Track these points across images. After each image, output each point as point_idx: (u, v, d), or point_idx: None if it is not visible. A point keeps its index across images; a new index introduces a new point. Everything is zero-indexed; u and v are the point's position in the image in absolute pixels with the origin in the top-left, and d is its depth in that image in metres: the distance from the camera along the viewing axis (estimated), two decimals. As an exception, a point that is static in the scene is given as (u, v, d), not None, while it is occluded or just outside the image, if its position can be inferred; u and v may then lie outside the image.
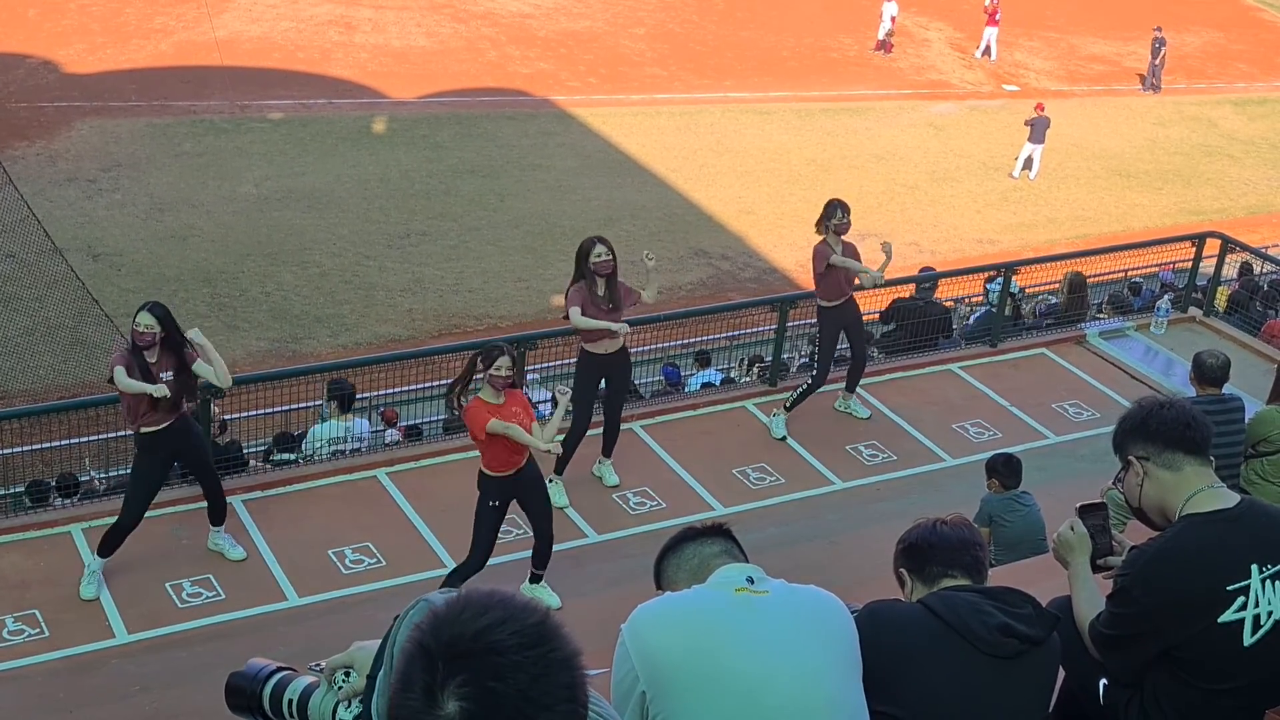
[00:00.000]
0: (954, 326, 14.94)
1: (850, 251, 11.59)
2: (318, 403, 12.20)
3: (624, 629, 3.42)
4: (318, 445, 11.56)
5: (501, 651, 1.80)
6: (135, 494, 9.29)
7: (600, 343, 10.47)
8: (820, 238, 11.61)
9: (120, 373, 8.74)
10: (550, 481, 10.43)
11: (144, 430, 9.06)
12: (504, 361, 8.65)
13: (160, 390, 8.76)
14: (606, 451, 11.05)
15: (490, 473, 8.94)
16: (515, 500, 9.13)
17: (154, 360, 8.92)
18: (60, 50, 27.64)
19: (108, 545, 9.28)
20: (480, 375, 8.71)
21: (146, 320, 8.88)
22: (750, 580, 3.44)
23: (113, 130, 24.54)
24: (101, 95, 25.89)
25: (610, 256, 10.36)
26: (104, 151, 23.76)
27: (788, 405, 11.95)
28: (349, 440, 11.64)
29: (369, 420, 13.15)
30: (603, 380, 10.71)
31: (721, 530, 3.71)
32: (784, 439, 11.87)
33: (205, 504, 9.70)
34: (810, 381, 11.88)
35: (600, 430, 11.01)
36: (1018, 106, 30.22)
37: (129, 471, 11.08)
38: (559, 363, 12.78)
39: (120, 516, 9.26)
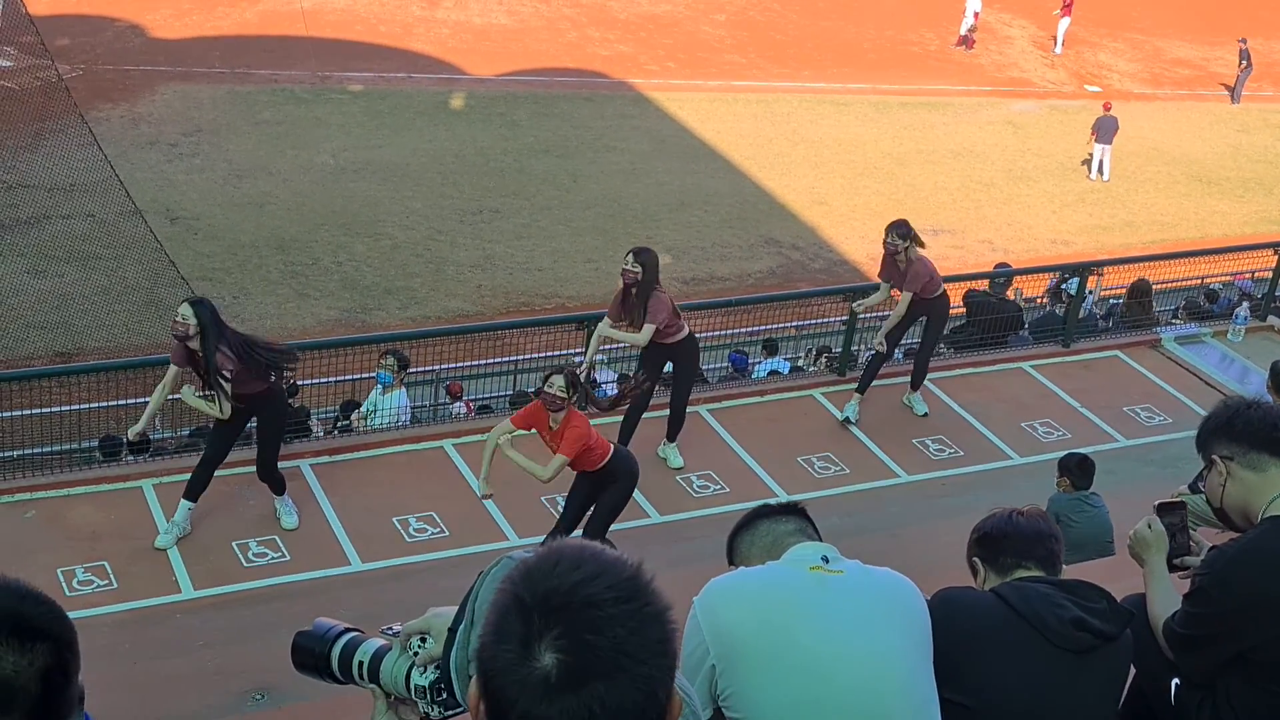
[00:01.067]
0: (1025, 325, 14.83)
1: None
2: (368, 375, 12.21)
3: (696, 602, 3.42)
4: (366, 413, 11.62)
5: (598, 605, 1.80)
6: (215, 434, 9.52)
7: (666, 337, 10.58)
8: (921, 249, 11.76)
9: (186, 390, 9.08)
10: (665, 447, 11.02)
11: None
12: (555, 380, 8.68)
13: (222, 412, 8.97)
14: (671, 436, 11.07)
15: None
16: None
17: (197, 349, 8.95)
18: (147, 15, 27.95)
19: (193, 487, 9.47)
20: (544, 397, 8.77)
21: (184, 312, 8.98)
22: (825, 559, 3.44)
23: (195, 96, 24.79)
24: (186, 61, 26.16)
25: (637, 269, 10.30)
26: (186, 116, 24.00)
27: (859, 389, 11.95)
28: (381, 413, 11.60)
29: (434, 393, 13.24)
30: (667, 364, 10.78)
31: (796, 509, 3.70)
32: (849, 420, 11.89)
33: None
34: (874, 358, 11.90)
35: (663, 413, 11.04)
36: (1099, 108, 29.92)
37: (204, 429, 11.31)
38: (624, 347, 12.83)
39: (205, 452, 9.54)
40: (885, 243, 11.57)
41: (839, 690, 3.26)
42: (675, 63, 29.95)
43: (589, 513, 9.22)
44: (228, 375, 8.98)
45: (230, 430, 9.44)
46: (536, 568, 1.86)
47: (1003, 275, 14.71)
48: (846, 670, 3.28)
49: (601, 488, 9.11)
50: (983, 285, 14.61)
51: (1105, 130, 26.13)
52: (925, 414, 12.17)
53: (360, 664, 2.68)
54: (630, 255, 10.43)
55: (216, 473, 9.63)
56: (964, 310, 13.96)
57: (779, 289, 19.54)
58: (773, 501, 3.82)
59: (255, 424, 9.73)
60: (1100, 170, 26.48)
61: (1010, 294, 14.90)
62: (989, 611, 3.87)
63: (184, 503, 9.53)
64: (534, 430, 8.93)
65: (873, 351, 12.02)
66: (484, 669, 1.84)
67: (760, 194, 24.11)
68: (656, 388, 10.92)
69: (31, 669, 2.25)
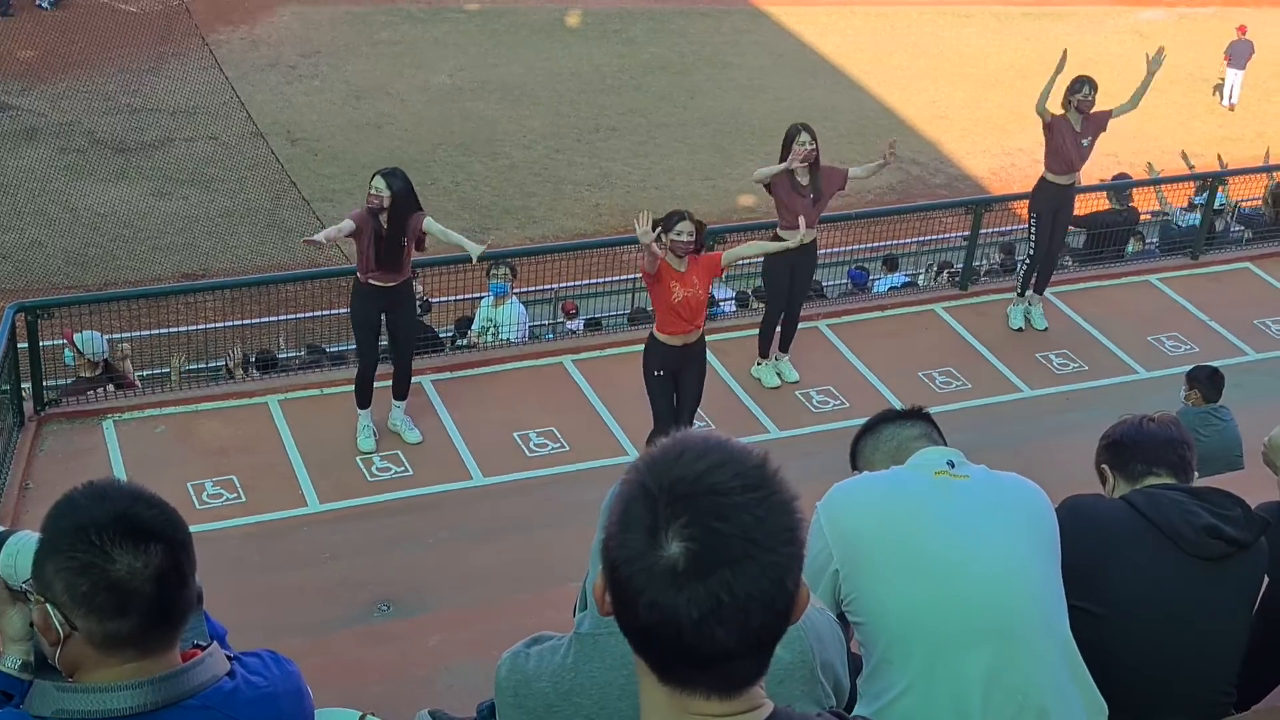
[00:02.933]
0: (1146, 238, 14.48)
1: (1095, 124, 11.43)
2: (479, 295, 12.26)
3: (819, 507, 3.39)
4: (481, 327, 11.70)
5: (724, 493, 1.77)
6: (359, 336, 9.69)
7: (793, 232, 10.30)
8: (1061, 114, 11.24)
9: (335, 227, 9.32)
10: (758, 364, 10.94)
11: (365, 280, 9.36)
12: (684, 226, 8.61)
13: (344, 228, 9.21)
14: (784, 347, 10.99)
15: (660, 335, 8.93)
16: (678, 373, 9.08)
17: (382, 220, 9.19)
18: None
19: (361, 396, 9.71)
20: (664, 243, 8.65)
21: (379, 185, 9.26)
22: (950, 464, 3.38)
23: (313, 17, 24.94)
24: (303, -18, 26.34)
25: (814, 145, 10.18)
26: (304, 38, 24.18)
27: (1020, 292, 11.80)
28: (501, 326, 11.67)
29: (552, 312, 13.30)
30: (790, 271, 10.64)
31: (921, 413, 3.64)
32: (1020, 330, 11.76)
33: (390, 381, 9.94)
34: (1029, 259, 11.66)
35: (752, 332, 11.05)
36: (1230, 15, 28.90)
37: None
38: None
39: (359, 363, 9.69)
40: (1087, 101, 11.28)
41: (965, 594, 3.21)
42: (793, -25, 29.51)
43: (680, 401, 9.21)
44: (404, 244, 9.30)
45: (369, 326, 9.60)
46: (661, 457, 1.84)
47: (1123, 185, 14.33)
48: (972, 575, 3.23)
49: (688, 366, 9.04)
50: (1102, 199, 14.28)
51: (1239, 55, 25.15)
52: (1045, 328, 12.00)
53: None
54: (807, 135, 10.22)
55: (335, 390, 9.86)
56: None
57: (899, 204, 19.27)
58: (897, 406, 3.77)
59: (392, 320, 9.74)
60: (1231, 95, 25.50)
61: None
62: (1119, 518, 3.80)
63: (361, 411, 9.76)
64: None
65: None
66: (610, 558, 1.83)
67: (880, 109, 23.76)
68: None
69: (146, 571, 2.26)
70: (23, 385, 9.69)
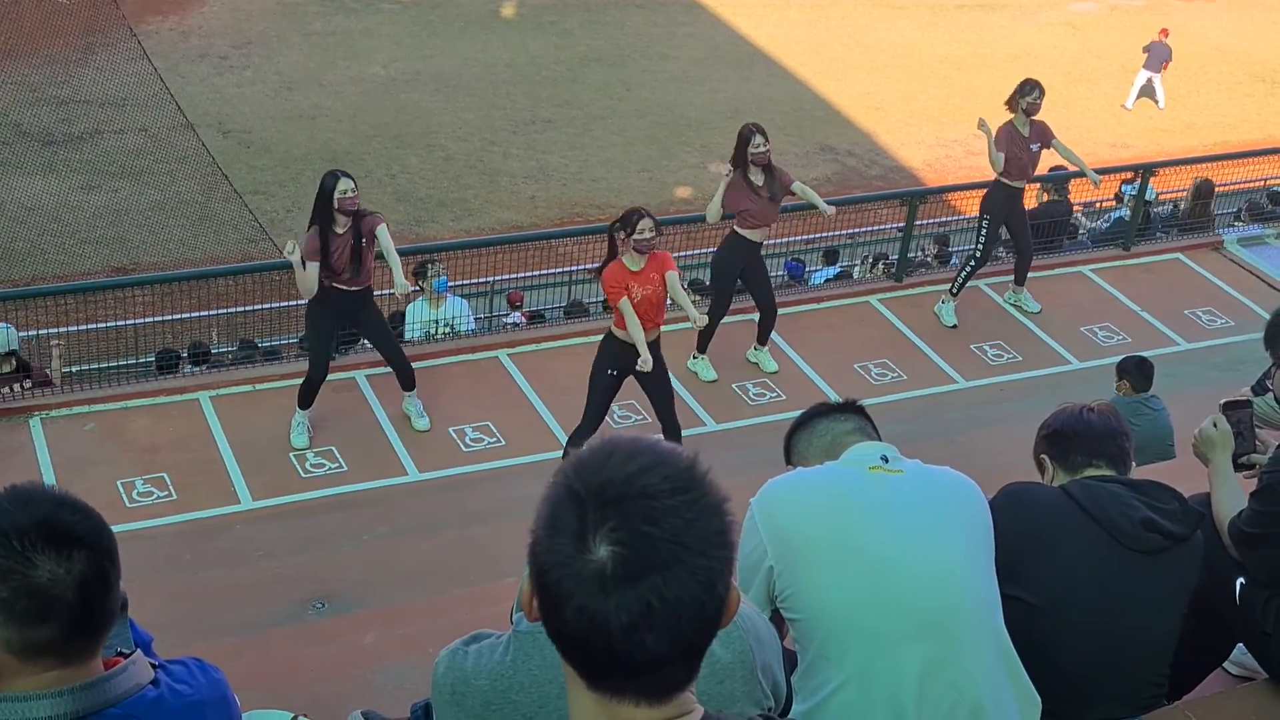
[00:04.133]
0: (1081, 229, 14.61)
1: (1041, 132, 11.53)
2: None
3: (753, 503, 3.37)
4: (411, 326, 11.64)
5: (654, 495, 1.75)
6: (314, 347, 9.60)
7: (757, 230, 10.44)
8: (1009, 116, 11.39)
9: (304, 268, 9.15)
10: (694, 358, 10.88)
11: (329, 285, 9.27)
12: (645, 224, 8.59)
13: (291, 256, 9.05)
14: (763, 339, 11.04)
15: (618, 333, 8.86)
16: (634, 376, 9.03)
17: (341, 231, 9.08)
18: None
19: (305, 398, 9.63)
20: (621, 242, 8.63)
21: (349, 186, 9.10)
22: (884, 459, 3.37)
23: (244, 8, 24.67)
24: (234, -27, 26.05)
25: (767, 147, 10.23)
26: (235, 28, 23.91)
27: (953, 290, 11.89)
28: (440, 323, 11.65)
29: (490, 305, 13.24)
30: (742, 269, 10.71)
31: (855, 407, 3.63)
32: (955, 326, 11.84)
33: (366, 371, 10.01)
34: (975, 261, 11.75)
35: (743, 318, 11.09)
36: (1161, 7, 29.23)
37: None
38: (684, 253, 12.75)
39: (309, 371, 9.57)
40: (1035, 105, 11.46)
41: (900, 590, 3.21)
42: (728, -32, 29.52)
43: (654, 401, 9.17)
44: (367, 246, 9.24)
45: (325, 333, 9.56)
46: (590, 459, 1.81)
47: (1054, 178, 14.45)
48: (908, 570, 3.23)
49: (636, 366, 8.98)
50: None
51: (1155, 57, 24.95)
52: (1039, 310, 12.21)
53: None
54: (760, 136, 10.24)
55: (269, 385, 9.77)
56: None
57: (835, 195, 19.32)
58: (833, 398, 3.76)
59: (364, 323, 9.77)
60: (1149, 96, 25.32)
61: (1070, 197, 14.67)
62: (1058, 508, 3.81)
63: (300, 411, 9.69)
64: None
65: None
66: (537, 563, 1.80)
67: (815, 100, 23.81)
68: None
69: (69, 577, 2.22)
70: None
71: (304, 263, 9.13)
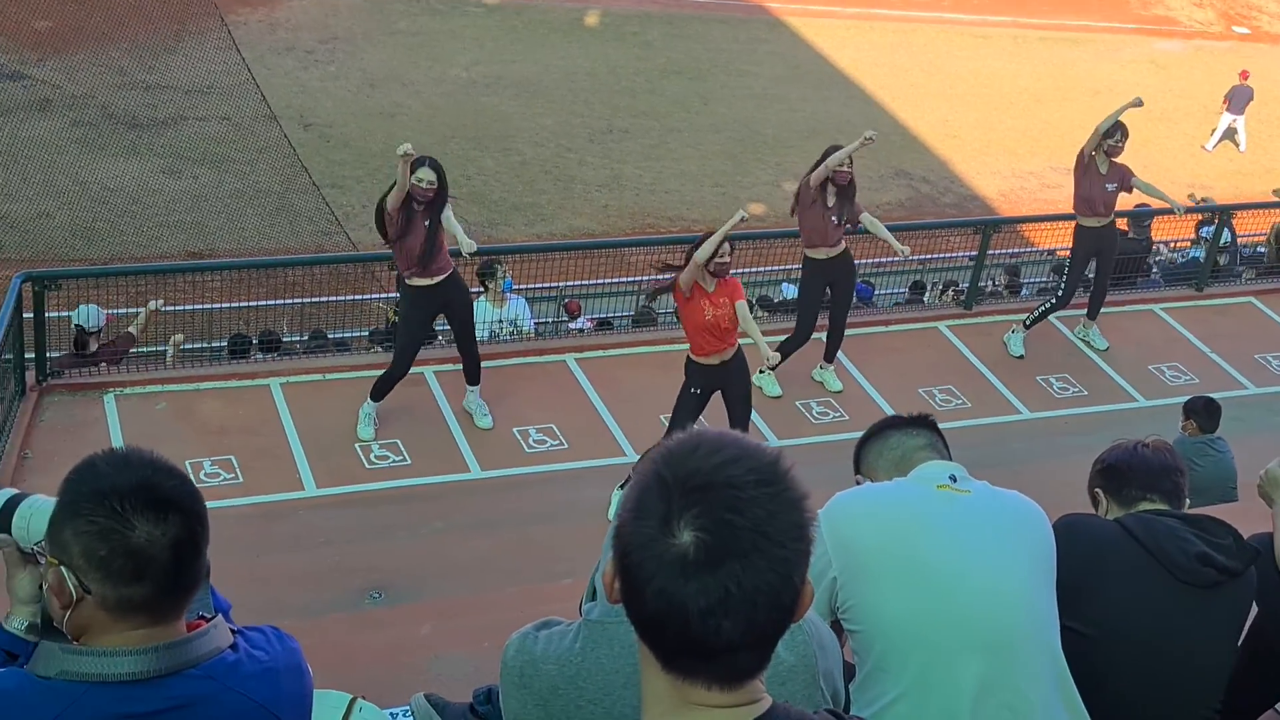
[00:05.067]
0: (1162, 258, 14.53)
1: (1120, 174, 11.51)
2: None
3: (820, 514, 3.40)
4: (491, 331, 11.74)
5: (738, 486, 1.81)
6: (403, 344, 9.66)
7: (820, 249, 10.48)
8: (1091, 156, 11.45)
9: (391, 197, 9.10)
10: (762, 372, 10.79)
11: (412, 283, 9.34)
12: (724, 247, 8.70)
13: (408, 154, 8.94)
14: (829, 357, 11.07)
15: (696, 359, 8.95)
16: (720, 390, 9.10)
17: (419, 208, 9.18)
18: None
19: (379, 391, 9.72)
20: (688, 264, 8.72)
21: (429, 176, 9.13)
22: (953, 478, 3.40)
23: (332, 3, 24.95)
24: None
25: (851, 169, 10.27)
26: (322, 24, 24.20)
27: (1026, 323, 11.90)
28: (503, 322, 11.76)
29: (557, 310, 13.32)
30: (827, 287, 10.76)
31: (927, 422, 3.66)
32: (1021, 357, 11.82)
33: (460, 365, 10.07)
34: (1055, 300, 11.75)
35: (823, 334, 11.08)
36: (1246, 50, 29.00)
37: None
38: (749, 270, 12.79)
39: (392, 366, 9.65)
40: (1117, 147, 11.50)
41: (961, 607, 3.24)
42: (812, -13, 29.56)
43: (732, 419, 9.17)
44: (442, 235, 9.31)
45: (416, 334, 9.64)
46: (677, 450, 1.87)
47: (1144, 215, 14.38)
48: (970, 588, 3.25)
49: (731, 381, 9.06)
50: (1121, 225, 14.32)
51: (1238, 100, 24.78)
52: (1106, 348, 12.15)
53: None
54: (846, 156, 10.36)
55: (338, 375, 9.90)
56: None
57: (908, 220, 19.30)
58: (904, 414, 3.79)
59: (458, 306, 9.76)
60: (1230, 139, 25.13)
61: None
62: (1113, 540, 3.82)
63: (371, 402, 9.79)
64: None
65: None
66: (622, 545, 1.86)
67: (893, 125, 23.77)
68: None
69: (164, 539, 2.30)
70: (26, 355, 9.71)
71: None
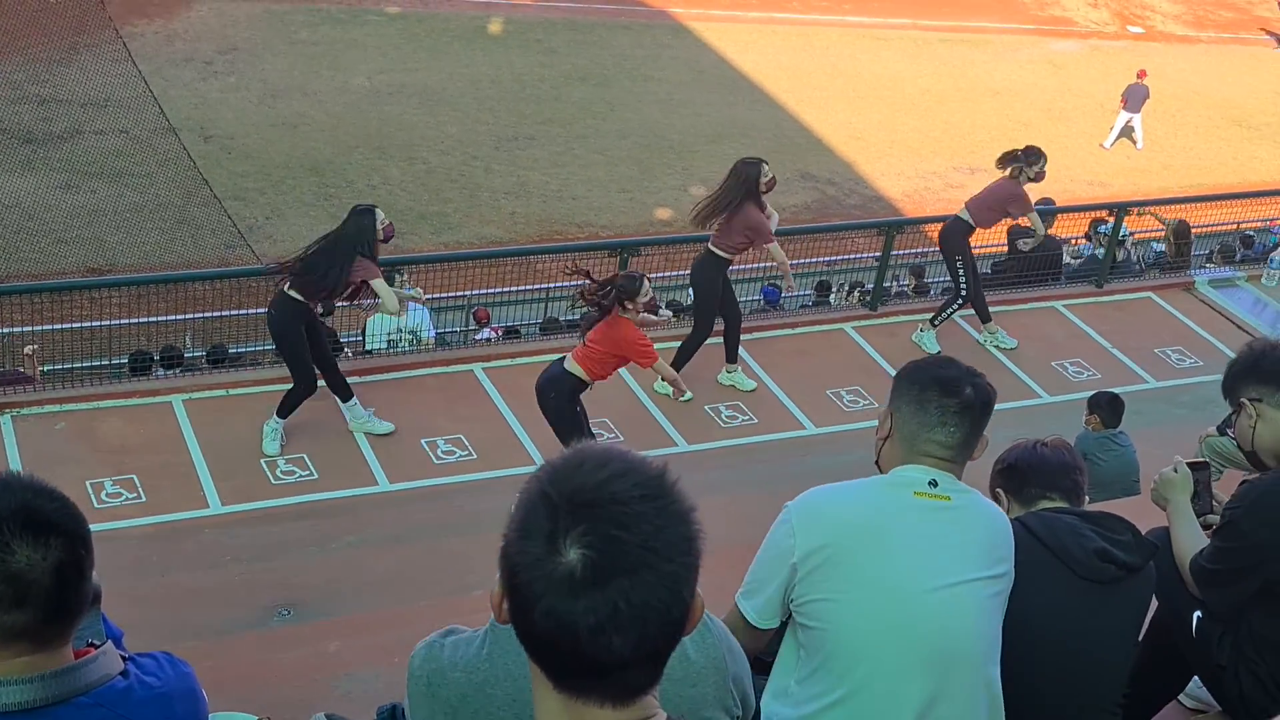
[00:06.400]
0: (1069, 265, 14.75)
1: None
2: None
3: (791, 507, 3.40)
4: (373, 336, 11.67)
5: (624, 501, 1.80)
6: (300, 360, 9.60)
7: (731, 252, 10.73)
8: (1012, 179, 11.71)
9: (381, 285, 9.45)
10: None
11: (290, 293, 9.29)
12: (647, 286, 8.90)
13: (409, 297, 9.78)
14: (731, 357, 11.13)
15: (586, 378, 8.97)
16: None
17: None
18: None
19: (287, 409, 9.68)
20: (630, 306, 8.79)
21: (383, 215, 9.56)
22: (933, 483, 3.39)
23: (231, 14, 24.67)
24: (222, -22, 26.05)
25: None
26: (221, 34, 23.90)
27: (934, 321, 12.04)
28: (402, 331, 11.72)
29: (465, 319, 13.26)
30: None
31: (969, 414, 3.45)
32: (939, 353, 11.94)
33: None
34: (962, 298, 11.91)
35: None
36: (1141, 49, 29.53)
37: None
38: (662, 274, 12.80)
39: (298, 385, 9.62)
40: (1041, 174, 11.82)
41: (918, 623, 3.27)
42: (715, -8, 29.69)
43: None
44: None
45: (303, 345, 9.61)
46: (562, 466, 1.86)
47: (1045, 211, 14.57)
48: (928, 606, 3.28)
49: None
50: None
51: (1135, 98, 25.07)
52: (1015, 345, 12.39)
53: None
54: (768, 165, 10.73)
55: (242, 391, 9.81)
56: (1005, 247, 13.89)
57: (814, 222, 19.44)
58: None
59: (317, 329, 9.83)
60: (1127, 137, 25.49)
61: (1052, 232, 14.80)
62: (1015, 539, 3.85)
63: (278, 419, 9.72)
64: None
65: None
66: (508, 564, 1.84)
67: (797, 128, 23.94)
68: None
69: (45, 563, 2.26)
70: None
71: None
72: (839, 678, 3.27)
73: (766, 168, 10.65)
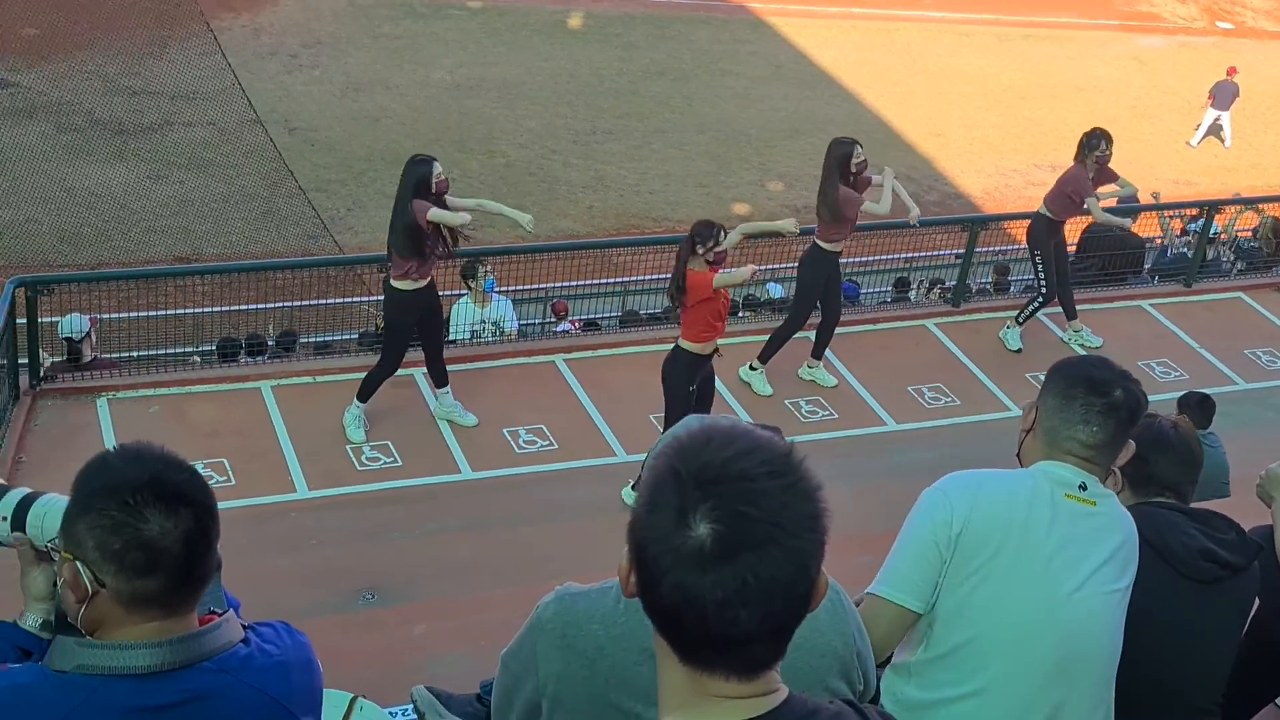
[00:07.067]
0: (1145, 264, 14.58)
1: (1106, 177, 11.69)
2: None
3: (946, 485, 3.37)
4: (457, 326, 11.75)
5: (752, 478, 1.82)
6: (394, 342, 9.68)
7: (838, 242, 10.63)
8: (1078, 163, 11.55)
9: (434, 210, 9.04)
10: (753, 369, 10.94)
11: (399, 286, 9.33)
12: (724, 237, 8.79)
13: (463, 219, 9.12)
14: (818, 354, 11.10)
15: (689, 346, 8.90)
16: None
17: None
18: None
19: (366, 391, 9.71)
20: (699, 250, 8.71)
21: (440, 169, 9.19)
22: (1083, 487, 3.36)
23: (315, 7, 24.94)
24: (307, -28, 26.35)
25: (864, 157, 10.64)
26: (305, 28, 24.18)
27: (1019, 319, 11.96)
28: (485, 323, 11.77)
29: (544, 311, 13.34)
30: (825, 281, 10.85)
31: (1121, 414, 3.41)
32: (1020, 350, 11.91)
33: (425, 368, 10.06)
34: (1043, 297, 11.81)
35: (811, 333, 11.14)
36: (1230, 45, 29.12)
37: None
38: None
39: (380, 366, 9.67)
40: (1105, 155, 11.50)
41: (1059, 629, 3.27)
42: (794, -13, 29.61)
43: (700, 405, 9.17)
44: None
45: (405, 336, 9.63)
46: (689, 443, 1.89)
47: (1129, 210, 14.41)
48: (1071, 612, 3.28)
49: (707, 371, 9.10)
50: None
51: (1223, 96, 24.78)
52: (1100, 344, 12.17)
53: (3, 518, 2.67)
54: (860, 147, 10.70)
55: (329, 378, 9.92)
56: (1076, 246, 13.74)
57: (892, 219, 19.29)
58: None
59: (433, 311, 9.76)
60: (1215, 135, 25.15)
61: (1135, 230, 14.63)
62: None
63: (358, 404, 9.78)
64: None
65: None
66: (637, 539, 1.87)
67: (876, 123, 23.83)
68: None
69: (176, 531, 2.32)
70: (19, 360, 9.71)
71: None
72: (972, 671, 3.26)
73: (860, 150, 10.55)
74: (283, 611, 7.94)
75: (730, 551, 1.80)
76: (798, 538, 1.82)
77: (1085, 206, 11.51)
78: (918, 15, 28.92)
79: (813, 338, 11.12)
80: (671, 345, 9.09)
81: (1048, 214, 11.61)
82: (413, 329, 9.66)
